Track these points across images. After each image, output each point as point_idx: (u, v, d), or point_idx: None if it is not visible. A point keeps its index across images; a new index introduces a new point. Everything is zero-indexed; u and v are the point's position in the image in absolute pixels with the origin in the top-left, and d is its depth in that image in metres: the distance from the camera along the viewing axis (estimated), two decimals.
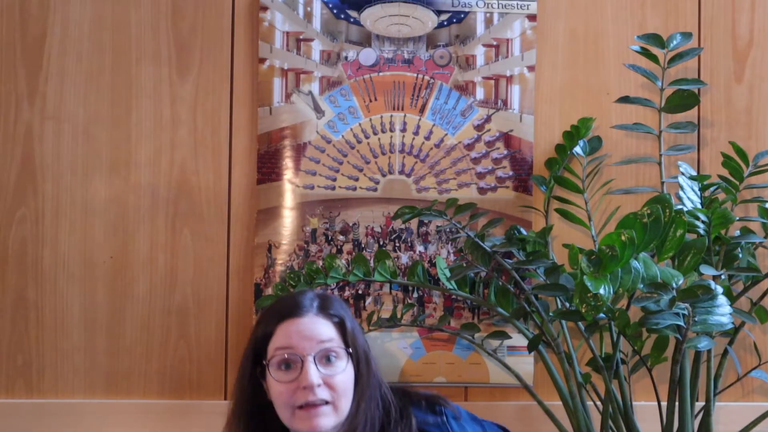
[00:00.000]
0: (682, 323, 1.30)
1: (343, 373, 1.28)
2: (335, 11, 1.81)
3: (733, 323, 1.29)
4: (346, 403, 1.28)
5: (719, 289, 1.28)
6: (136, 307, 1.78)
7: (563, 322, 1.67)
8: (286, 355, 1.26)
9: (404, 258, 1.80)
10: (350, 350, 1.29)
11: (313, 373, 1.24)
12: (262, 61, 1.79)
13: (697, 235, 1.49)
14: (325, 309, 1.31)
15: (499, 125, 1.82)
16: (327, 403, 1.26)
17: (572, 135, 1.75)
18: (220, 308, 1.78)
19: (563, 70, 1.84)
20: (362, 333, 1.39)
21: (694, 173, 1.71)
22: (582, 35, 1.84)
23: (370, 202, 1.80)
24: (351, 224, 1.80)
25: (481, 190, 1.81)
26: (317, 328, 1.28)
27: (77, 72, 1.78)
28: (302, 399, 1.24)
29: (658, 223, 1.28)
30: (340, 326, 1.31)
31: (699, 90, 1.81)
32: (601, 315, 1.43)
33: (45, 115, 1.77)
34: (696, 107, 1.80)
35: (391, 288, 1.79)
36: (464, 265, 1.65)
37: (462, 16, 1.82)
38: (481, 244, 1.65)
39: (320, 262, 1.74)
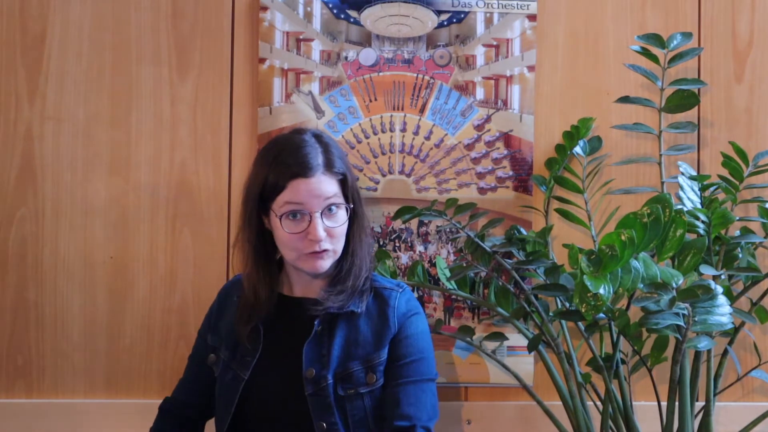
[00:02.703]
0: (682, 323, 1.30)
1: (343, 225, 1.43)
2: (335, 11, 1.81)
3: (733, 323, 1.29)
4: (341, 246, 1.45)
5: (719, 289, 1.28)
6: (136, 307, 1.78)
7: (563, 322, 1.67)
8: (296, 209, 1.40)
9: (404, 258, 1.80)
10: (350, 205, 1.44)
11: (320, 228, 1.39)
12: (262, 61, 1.79)
13: (697, 235, 1.49)
14: (330, 167, 1.42)
15: (499, 125, 1.82)
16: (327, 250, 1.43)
17: (572, 135, 1.75)
18: None
19: (563, 70, 1.84)
20: (355, 177, 1.51)
21: (694, 173, 1.71)
22: (582, 35, 1.84)
23: (370, 202, 1.80)
24: None
25: (481, 190, 1.81)
26: (324, 187, 1.40)
27: (77, 72, 1.78)
28: (309, 248, 1.40)
29: (658, 223, 1.28)
30: (343, 182, 1.44)
31: (699, 90, 1.81)
32: (601, 315, 1.43)
33: (45, 115, 1.77)
34: (696, 107, 1.80)
35: None
36: (464, 265, 1.65)
37: (462, 16, 1.82)
38: (481, 244, 1.65)
39: None
